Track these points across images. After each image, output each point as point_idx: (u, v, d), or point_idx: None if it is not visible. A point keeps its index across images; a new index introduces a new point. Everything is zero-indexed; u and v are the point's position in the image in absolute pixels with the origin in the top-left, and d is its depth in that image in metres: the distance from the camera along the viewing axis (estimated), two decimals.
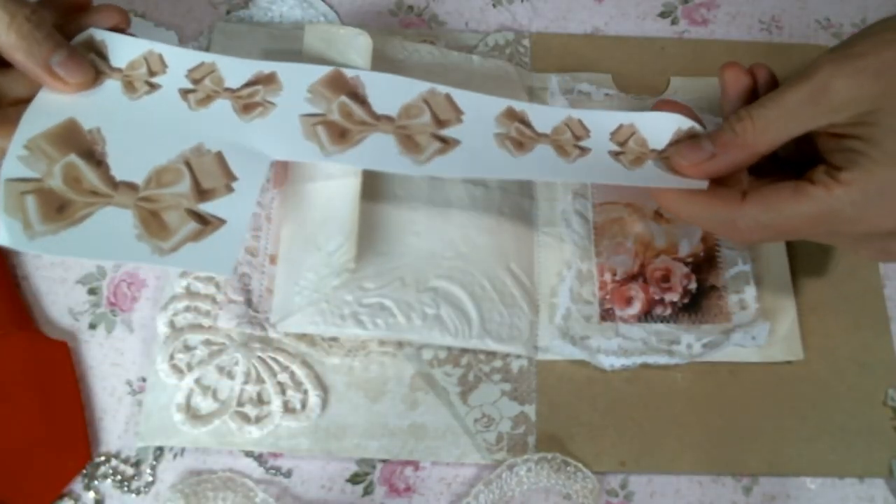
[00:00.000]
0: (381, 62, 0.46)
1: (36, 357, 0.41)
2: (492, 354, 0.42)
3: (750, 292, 0.43)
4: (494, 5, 0.52)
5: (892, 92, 0.33)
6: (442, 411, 0.40)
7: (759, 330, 0.42)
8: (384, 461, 0.40)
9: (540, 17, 0.52)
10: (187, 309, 0.42)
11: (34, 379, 0.40)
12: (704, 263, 0.44)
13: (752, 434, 0.41)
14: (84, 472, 0.39)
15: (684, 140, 0.38)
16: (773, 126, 0.35)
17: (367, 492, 0.40)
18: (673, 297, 0.43)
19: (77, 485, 0.39)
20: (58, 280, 0.43)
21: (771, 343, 0.42)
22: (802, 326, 0.43)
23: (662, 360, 0.42)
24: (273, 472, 0.40)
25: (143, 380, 0.41)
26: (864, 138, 0.33)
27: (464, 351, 0.42)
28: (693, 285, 0.44)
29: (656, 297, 0.43)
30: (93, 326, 0.43)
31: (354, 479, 0.40)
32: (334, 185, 0.41)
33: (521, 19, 0.52)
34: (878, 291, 0.44)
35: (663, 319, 0.43)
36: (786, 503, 0.40)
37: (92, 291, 0.43)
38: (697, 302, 0.43)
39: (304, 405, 0.40)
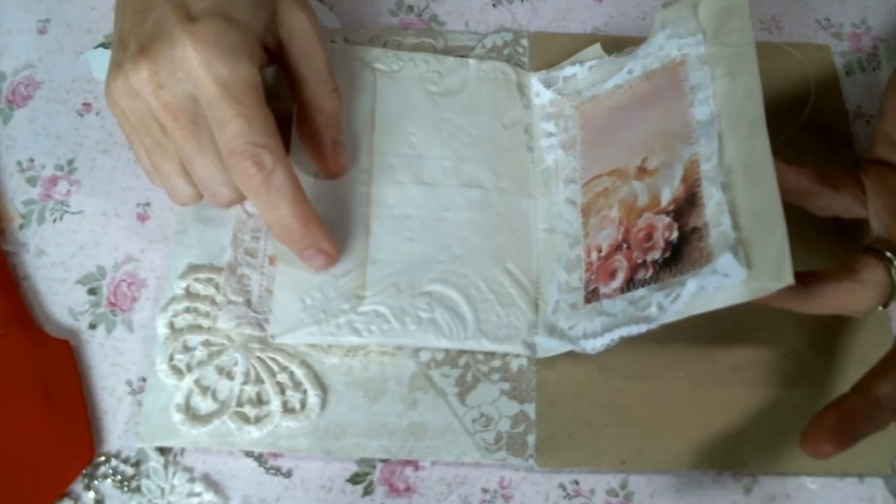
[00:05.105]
0: (375, 74, 0.47)
1: (38, 356, 0.41)
2: (491, 354, 0.42)
3: (727, 222, 0.37)
4: (494, 5, 0.52)
5: None
6: (441, 410, 0.40)
7: (723, 263, 0.36)
8: (384, 461, 0.40)
9: (540, 18, 0.52)
10: (187, 310, 0.42)
11: (36, 378, 0.40)
12: (686, 205, 0.39)
13: (754, 432, 0.41)
14: (84, 472, 0.39)
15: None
16: None
17: (367, 492, 0.40)
18: (655, 255, 0.39)
19: (77, 485, 0.39)
20: (58, 280, 0.43)
21: (759, 272, 0.35)
22: (804, 324, 0.43)
23: (637, 328, 0.38)
24: (273, 472, 0.40)
25: (143, 380, 0.41)
26: None
27: (462, 352, 0.42)
28: (675, 234, 0.39)
29: (639, 261, 0.40)
30: (93, 326, 0.43)
31: (354, 479, 0.40)
32: (344, 213, 0.42)
33: (521, 19, 0.52)
34: None
35: (644, 283, 0.39)
36: (786, 503, 0.40)
37: (92, 291, 0.43)
38: (678, 251, 0.38)
39: (303, 405, 0.40)
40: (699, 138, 0.40)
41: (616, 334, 0.38)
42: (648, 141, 0.42)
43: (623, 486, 0.40)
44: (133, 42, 0.36)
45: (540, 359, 0.42)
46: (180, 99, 0.35)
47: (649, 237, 0.40)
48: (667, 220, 0.40)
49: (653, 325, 0.37)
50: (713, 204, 0.38)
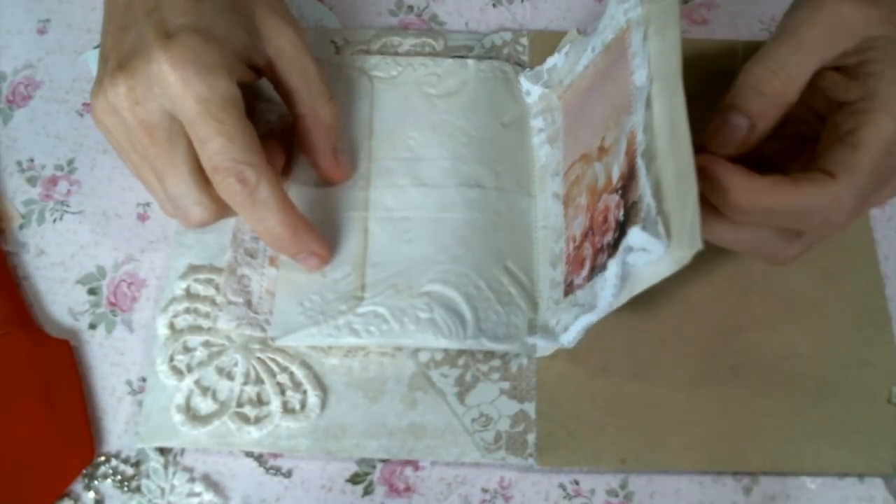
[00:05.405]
0: (373, 82, 0.47)
1: (38, 356, 0.41)
2: (490, 353, 0.42)
3: (648, 192, 0.34)
4: (494, 5, 0.52)
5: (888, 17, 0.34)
6: (441, 410, 0.40)
7: (634, 238, 0.33)
8: (384, 461, 0.40)
9: (540, 17, 0.52)
10: (187, 311, 0.42)
11: (36, 378, 0.40)
12: (629, 181, 0.36)
13: (755, 431, 0.41)
14: (84, 472, 0.39)
15: (715, 126, 0.35)
16: (795, 67, 0.34)
17: (367, 492, 0.40)
18: (609, 237, 0.37)
19: (77, 485, 0.39)
20: (58, 280, 0.43)
21: (678, 240, 0.32)
22: (805, 324, 0.43)
23: (589, 318, 0.36)
24: (273, 472, 0.40)
25: (143, 380, 0.41)
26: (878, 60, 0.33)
27: (461, 351, 0.42)
28: (621, 213, 0.36)
29: (598, 246, 0.38)
30: (93, 326, 0.43)
31: (354, 479, 0.40)
32: (342, 217, 0.43)
33: (521, 19, 0.52)
34: (879, 291, 0.44)
35: (603, 268, 0.36)
36: (786, 503, 0.40)
37: (92, 291, 0.43)
38: (624, 230, 0.35)
39: (303, 405, 0.40)
40: (637, 105, 0.37)
41: (579, 325, 0.37)
42: (606, 118, 0.40)
43: (623, 486, 0.40)
44: (113, 58, 0.36)
45: (540, 357, 0.42)
46: (155, 116, 0.35)
47: (605, 219, 0.37)
48: (616, 198, 0.37)
49: (601, 312, 0.36)
50: (644, 173, 0.35)
